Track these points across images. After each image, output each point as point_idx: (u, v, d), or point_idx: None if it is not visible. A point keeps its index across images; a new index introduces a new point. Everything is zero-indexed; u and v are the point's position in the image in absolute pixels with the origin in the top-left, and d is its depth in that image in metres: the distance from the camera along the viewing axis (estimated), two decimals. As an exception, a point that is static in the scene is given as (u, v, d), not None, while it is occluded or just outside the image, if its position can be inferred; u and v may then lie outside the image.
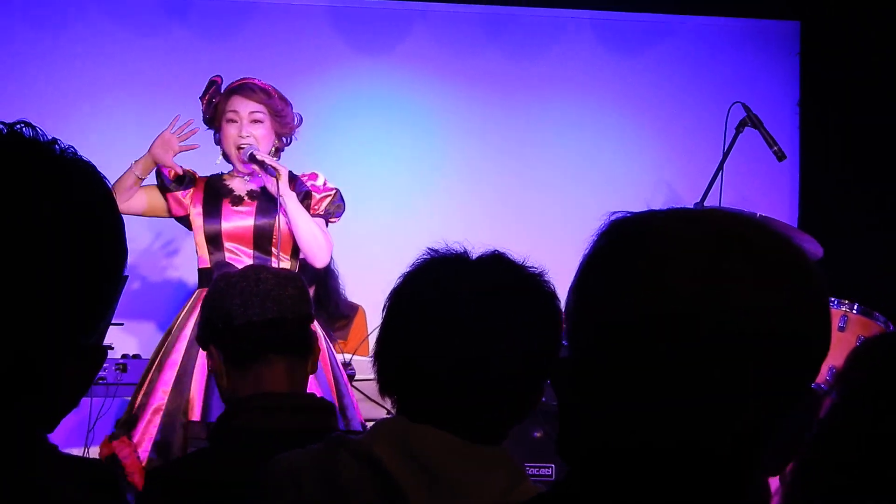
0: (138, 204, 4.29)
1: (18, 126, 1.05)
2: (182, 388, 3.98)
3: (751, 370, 1.03)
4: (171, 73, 5.98)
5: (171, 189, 4.30)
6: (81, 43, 5.99)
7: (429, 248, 1.79)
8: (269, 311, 2.42)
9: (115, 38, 6.00)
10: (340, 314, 5.22)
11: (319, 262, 4.22)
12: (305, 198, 4.26)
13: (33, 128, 1.05)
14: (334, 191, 4.32)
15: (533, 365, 1.73)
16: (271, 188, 4.18)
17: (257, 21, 6.16)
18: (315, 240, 4.19)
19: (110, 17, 6.02)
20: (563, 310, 1.78)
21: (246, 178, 4.32)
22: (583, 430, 1.11)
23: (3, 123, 1.05)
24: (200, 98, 4.35)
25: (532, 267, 1.79)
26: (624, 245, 1.10)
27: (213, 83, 4.34)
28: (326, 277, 5.24)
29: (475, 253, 1.78)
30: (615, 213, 1.14)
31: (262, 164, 4.16)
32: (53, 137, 1.06)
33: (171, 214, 4.34)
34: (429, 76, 6.25)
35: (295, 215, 4.15)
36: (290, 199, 4.16)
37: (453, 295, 1.72)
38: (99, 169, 1.09)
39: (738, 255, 1.05)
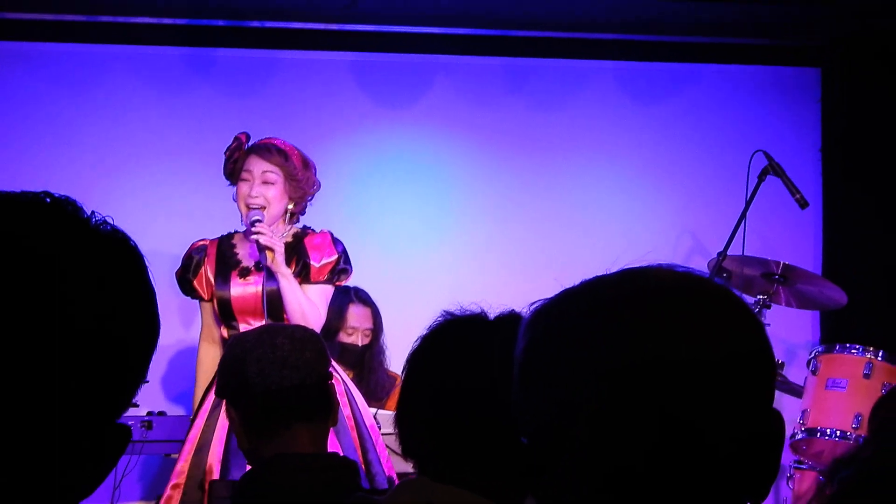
0: (213, 324, 4.30)
1: (58, 199, 1.03)
2: (199, 461, 3.94)
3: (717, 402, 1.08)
4: (195, 129, 6.02)
5: (193, 284, 4.30)
6: (104, 101, 6.04)
7: (444, 311, 1.77)
8: (286, 380, 2.37)
9: (137, 95, 6.04)
10: (376, 396, 5.07)
11: None
12: (304, 268, 4.21)
13: (73, 202, 1.03)
14: (335, 258, 4.25)
15: None
16: (266, 261, 4.13)
17: (281, 76, 6.20)
18: (302, 318, 4.07)
19: (132, 74, 6.07)
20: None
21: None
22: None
23: (48, 194, 1.03)
24: (224, 153, 4.36)
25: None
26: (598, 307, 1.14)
27: (237, 140, 4.33)
28: (372, 353, 5.20)
29: (493, 313, 1.77)
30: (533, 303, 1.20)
31: (256, 241, 4.11)
32: (93, 211, 1.04)
33: (210, 298, 4.29)
34: (451, 128, 6.27)
35: (286, 291, 4.11)
36: (282, 278, 4.12)
37: (466, 355, 1.72)
38: (132, 239, 1.07)
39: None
